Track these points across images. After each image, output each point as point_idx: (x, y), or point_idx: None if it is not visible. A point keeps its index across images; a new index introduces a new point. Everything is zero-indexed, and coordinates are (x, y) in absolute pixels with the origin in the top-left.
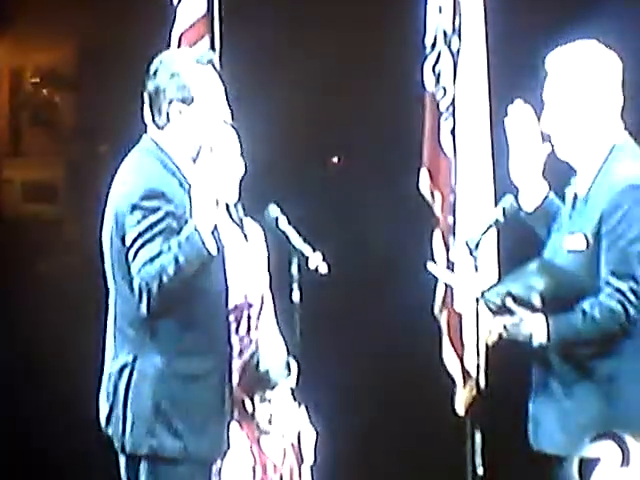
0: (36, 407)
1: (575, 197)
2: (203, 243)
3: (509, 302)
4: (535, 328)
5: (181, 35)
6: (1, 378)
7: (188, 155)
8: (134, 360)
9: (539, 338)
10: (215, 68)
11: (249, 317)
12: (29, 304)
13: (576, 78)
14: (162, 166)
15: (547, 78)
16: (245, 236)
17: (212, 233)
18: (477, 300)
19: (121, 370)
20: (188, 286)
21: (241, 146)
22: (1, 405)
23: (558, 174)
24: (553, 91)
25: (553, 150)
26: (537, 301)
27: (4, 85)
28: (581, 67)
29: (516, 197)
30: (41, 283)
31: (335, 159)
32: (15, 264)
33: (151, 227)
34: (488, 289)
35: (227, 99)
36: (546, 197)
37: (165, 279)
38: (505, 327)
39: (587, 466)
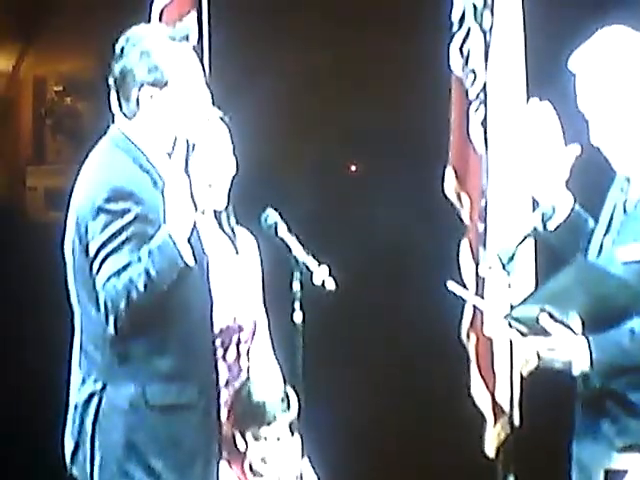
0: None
1: (626, 203)
2: (178, 252)
3: (544, 320)
4: (575, 352)
5: (162, 10)
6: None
7: (162, 148)
8: (103, 389)
9: (581, 364)
10: (194, 47)
11: (239, 342)
12: (51, 310)
13: (612, 73)
14: (132, 161)
15: (577, 84)
16: (235, 248)
17: (189, 240)
18: (506, 321)
19: (88, 401)
20: (163, 303)
21: (232, 141)
22: None
23: (584, 182)
24: (590, 97)
25: (582, 154)
26: (576, 322)
27: (28, 93)
28: (614, 59)
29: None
30: (63, 290)
31: (353, 167)
32: (38, 271)
33: (118, 233)
34: (517, 305)
35: (208, 84)
36: (572, 210)
37: (134, 294)
38: (538, 353)
39: (613, 478)
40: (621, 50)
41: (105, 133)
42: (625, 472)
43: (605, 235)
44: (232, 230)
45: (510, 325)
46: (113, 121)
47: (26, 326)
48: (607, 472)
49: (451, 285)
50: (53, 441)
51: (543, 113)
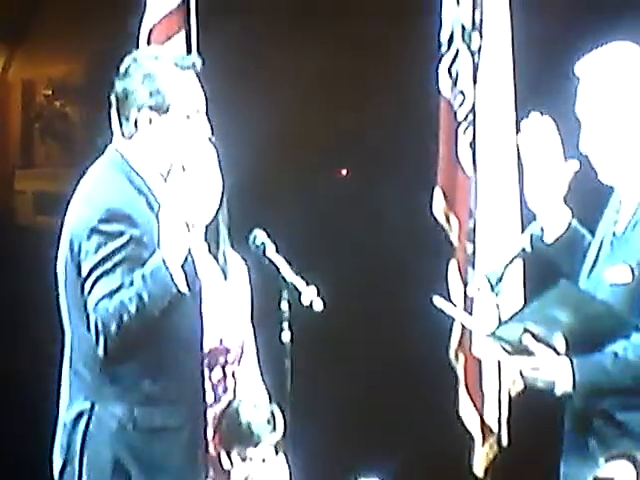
0: None
1: (616, 223)
2: (171, 278)
3: (527, 340)
4: (558, 373)
5: (151, 29)
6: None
7: (158, 171)
8: (91, 408)
9: (563, 385)
10: (198, 76)
11: (225, 363)
12: (38, 314)
13: (615, 86)
14: (128, 183)
15: (579, 89)
16: (224, 272)
17: (182, 267)
18: (490, 339)
19: (76, 419)
20: (154, 327)
21: (219, 162)
22: None
23: (583, 197)
24: (588, 104)
25: (580, 170)
26: (560, 342)
27: (17, 97)
28: (620, 73)
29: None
30: (51, 294)
31: (339, 172)
32: (26, 275)
33: (111, 255)
34: (501, 325)
35: (207, 112)
36: (569, 225)
37: (126, 318)
38: (521, 372)
39: None
40: (629, 65)
41: (102, 152)
42: None
43: (597, 254)
44: (224, 254)
45: (494, 343)
46: (111, 136)
47: (14, 332)
48: None
49: (437, 300)
50: (41, 459)
51: (543, 128)
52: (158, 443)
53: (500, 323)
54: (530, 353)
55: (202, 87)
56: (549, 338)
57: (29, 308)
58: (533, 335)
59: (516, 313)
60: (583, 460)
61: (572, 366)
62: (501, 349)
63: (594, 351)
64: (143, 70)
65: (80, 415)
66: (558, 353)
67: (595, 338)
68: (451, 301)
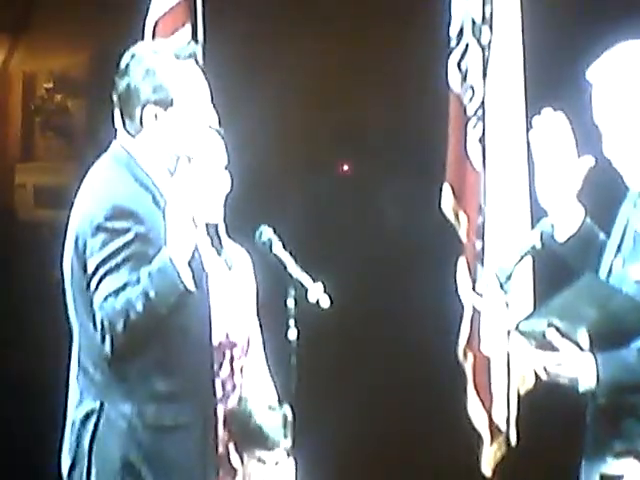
0: None
1: (638, 220)
2: (178, 276)
3: (551, 335)
4: (582, 369)
5: (156, 22)
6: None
7: (165, 167)
8: (100, 407)
9: (587, 382)
10: (198, 64)
11: (232, 358)
12: (39, 308)
13: (629, 87)
14: (133, 179)
15: (594, 95)
16: (227, 263)
17: (189, 264)
18: (511, 334)
19: (85, 418)
20: (161, 324)
21: (228, 156)
22: None
23: (597, 195)
24: (604, 109)
25: (595, 167)
26: (584, 338)
27: (17, 90)
28: (633, 73)
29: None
30: (52, 288)
31: (345, 167)
32: (26, 268)
33: (117, 252)
34: (525, 318)
35: (212, 102)
36: (582, 223)
37: (132, 316)
38: (545, 368)
39: None
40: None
41: (106, 148)
42: (620, 477)
43: (617, 252)
44: (220, 243)
45: (518, 338)
46: (114, 131)
47: (14, 327)
48: (602, 477)
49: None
50: (50, 458)
51: (556, 123)
52: (168, 442)
53: (523, 317)
54: (554, 348)
55: (206, 79)
56: (573, 333)
57: (29, 302)
58: (557, 330)
59: (541, 307)
60: (603, 457)
61: (596, 362)
62: (525, 343)
63: (618, 347)
64: (143, 66)
65: (89, 414)
66: (582, 349)
67: (620, 334)
68: (460, 298)
